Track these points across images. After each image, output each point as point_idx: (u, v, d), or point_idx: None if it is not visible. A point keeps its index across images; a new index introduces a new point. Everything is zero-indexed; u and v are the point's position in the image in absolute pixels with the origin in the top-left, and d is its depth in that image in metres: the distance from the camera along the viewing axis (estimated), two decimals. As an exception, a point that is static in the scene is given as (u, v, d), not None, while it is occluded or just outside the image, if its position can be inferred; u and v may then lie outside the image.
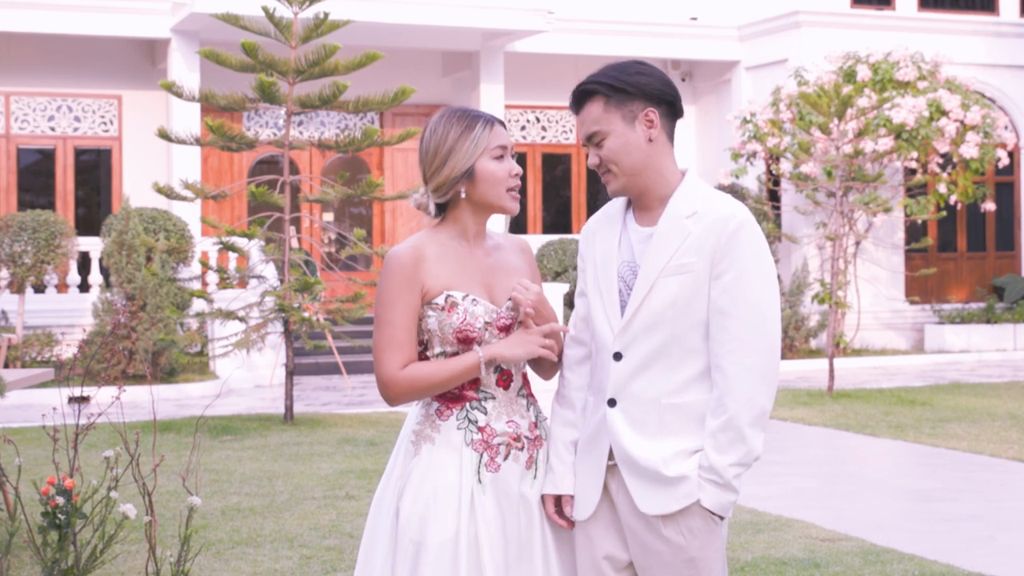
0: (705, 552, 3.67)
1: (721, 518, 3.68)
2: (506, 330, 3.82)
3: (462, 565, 3.70)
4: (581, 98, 3.74)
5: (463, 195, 3.85)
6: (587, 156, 3.77)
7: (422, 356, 3.87)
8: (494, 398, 3.83)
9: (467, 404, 3.82)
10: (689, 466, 3.63)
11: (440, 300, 3.79)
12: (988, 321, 22.04)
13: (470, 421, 3.81)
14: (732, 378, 3.59)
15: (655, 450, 3.65)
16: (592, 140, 3.71)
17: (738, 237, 3.61)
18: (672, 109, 3.73)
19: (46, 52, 21.44)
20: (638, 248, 3.71)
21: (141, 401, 14.63)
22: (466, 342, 3.79)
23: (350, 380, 18.10)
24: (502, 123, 3.89)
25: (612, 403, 3.70)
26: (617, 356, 3.69)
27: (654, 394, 3.67)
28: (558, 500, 3.85)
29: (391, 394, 3.80)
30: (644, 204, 3.75)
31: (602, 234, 3.80)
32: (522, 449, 3.83)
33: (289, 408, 13.52)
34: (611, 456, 3.73)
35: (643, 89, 3.67)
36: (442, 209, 3.92)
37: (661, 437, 3.65)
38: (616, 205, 3.83)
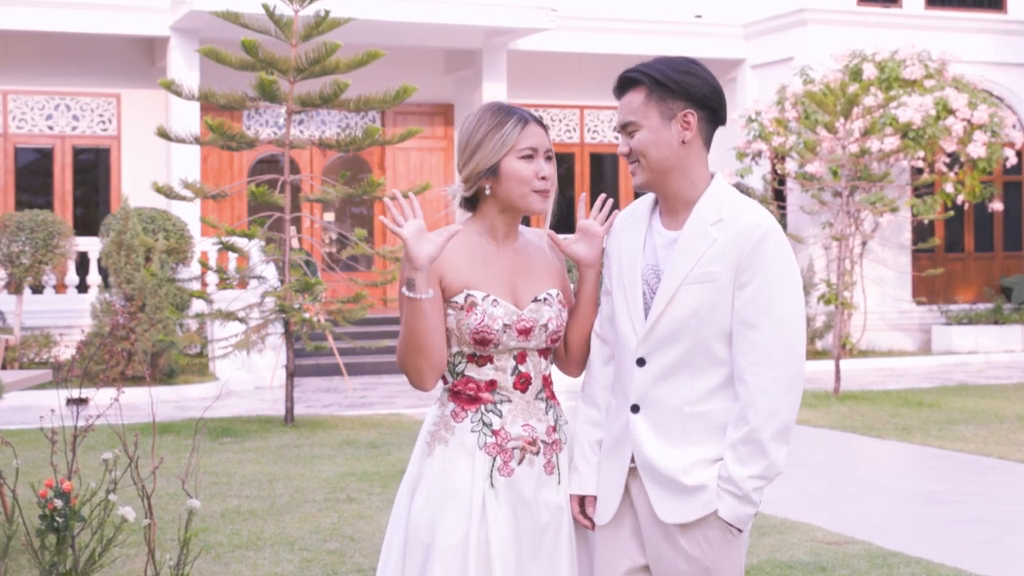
0: (720, 564, 3.63)
1: (739, 530, 3.63)
2: (526, 333, 3.76)
3: (471, 569, 3.65)
4: (624, 85, 3.70)
5: (487, 191, 3.80)
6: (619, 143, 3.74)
7: None
8: (510, 401, 3.78)
9: (482, 406, 3.77)
10: (709, 475, 3.59)
11: (460, 299, 3.74)
12: (996, 322, 22.03)
13: (484, 424, 3.75)
14: (755, 390, 3.55)
15: (676, 458, 3.61)
16: (626, 129, 3.68)
17: (763, 247, 3.56)
18: (714, 115, 3.68)
19: (44, 50, 21.40)
20: (662, 253, 3.67)
21: (140, 403, 14.55)
22: (483, 344, 3.73)
23: (351, 381, 18.07)
24: (541, 123, 3.82)
25: (635, 409, 3.66)
26: (640, 362, 3.65)
27: (677, 402, 3.62)
28: (582, 500, 3.81)
29: (407, 376, 3.76)
30: (670, 206, 3.71)
31: (628, 234, 3.76)
32: (538, 453, 3.78)
33: (290, 410, 13.47)
34: (633, 459, 3.68)
35: (687, 90, 3.62)
36: (472, 204, 3.88)
37: (684, 445, 3.62)
38: (643, 205, 3.80)
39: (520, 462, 3.75)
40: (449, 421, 3.78)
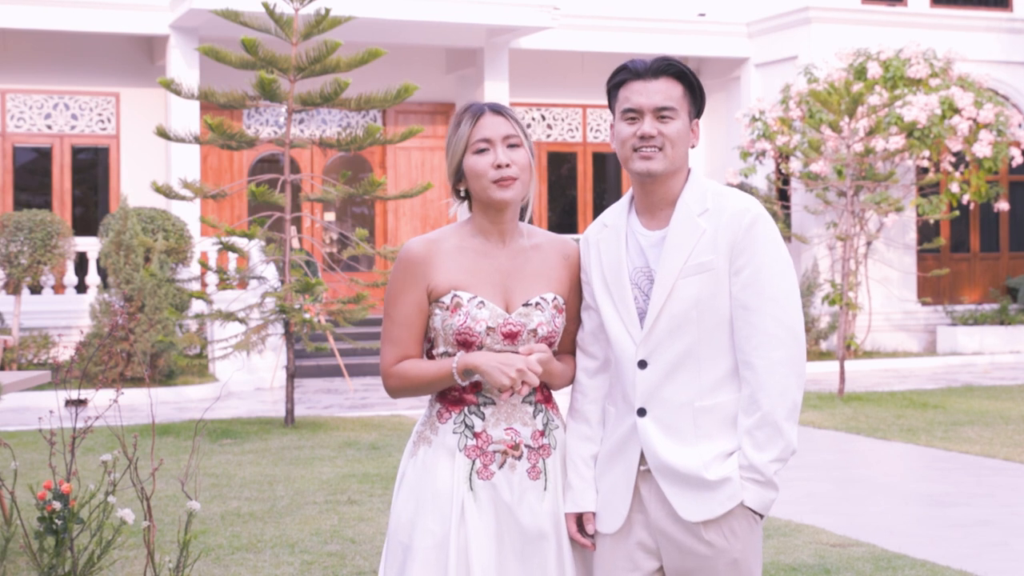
0: (747, 553, 3.66)
1: (761, 516, 3.67)
2: (512, 337, 3.72)
3: (451, 571, 3.64)
4: (664, 71, 3.68)
5: (463, 193, 3.83)
6: (632, 124, 3.66)
7: (429, 354, 3.82)
8: (494, 404, 3.75)
9: (465, 408, 3.75)
10: (730, 468, 3.61)
11: (446, 299, 3.73)
12: (1002, 322, 21.97)
13: (466, 426, 3.74)
14: (763, 373, 3.58)
15: (694, 456, 3.61)
16: (660, 112, 3.66)
17: (754, 231, 3.61)
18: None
19: (43, 49, 21.34)
20: (650, 252, 3.68)
21: (139, 404, 14.51)
22: (465, 345, 3.71)
23: (352, 382, 18.02)
24: (499, 111, 3.79)
25: (642, 412, 3.64)
26: (642, 364, 3.63)
27: (686, 398, 3.63)
28: (579, 518, 3.78)
29: (386, 388, 3.83)
30: (653, 204, 3.71)
31: (606, 243, 3.75)
32: (520, 458, 3.73)
33: (290, 411, 13.40)
34: (642, 461, 3.66)
35: (702, 103, 3.75)
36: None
37: (696, 442, 3.62)
38: (613, 213, 3.79)
39: (501, 466, 3.71)
40: (434, 422, 3.78)
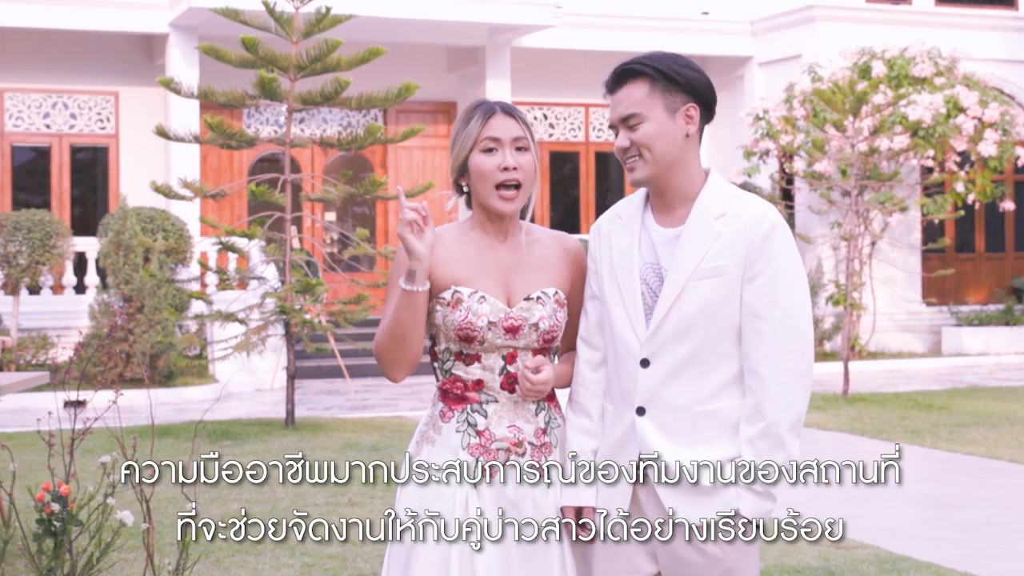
0: (741, 563, 3.61)
1: (758, 527, 3.62)
2: (513, 331, 3.72)
3: (453, 570, 3.63)
4: (623, 77, 3.64)
5: (465, 189, 3.82)
6: (616, 138, 3.66)
7: (432, 350, 3.83)
8: (497, 401, 3.76)
9: (468, 406, 3.75)
10: (727, 474, 3.57)
11: (447, 295, 3.72)
12: (1007, 323, 21.97)
13: (469, 424, 3.74)
14: (770, 383, 3.54)
15: (690, 459, 3.55)
16: (627, 122, 3.62)
17: (771, 239, 3.57)
18: (709, 111, 3.68)
19: (41, 47, 21.34)
20: (662, 250, 3.64)
21: (138, 405, 14.39)
22: (467, 340, 3.71)
23: (353, 383, 18.02)
24: (510, 112, 3.76)
25: (641, 411, 3.61)
26: (645, 363, 3.60)
27: (686, 401, 3.59)
28: (579, 512, 3.74)
29: (377, 357, 3.77)
30: (666, 203, 3.67)
31: (618, 235, 3.71)
32: (523, 455, 3.72)
33: (290, 412, 13.37)
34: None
35: (691, 84, 3.61)
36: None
37: (694, 445, 3.59)
38: (631, 205, 3.75)
39: (505, 463, 3.70)
40: (437, 421, 3.78)
